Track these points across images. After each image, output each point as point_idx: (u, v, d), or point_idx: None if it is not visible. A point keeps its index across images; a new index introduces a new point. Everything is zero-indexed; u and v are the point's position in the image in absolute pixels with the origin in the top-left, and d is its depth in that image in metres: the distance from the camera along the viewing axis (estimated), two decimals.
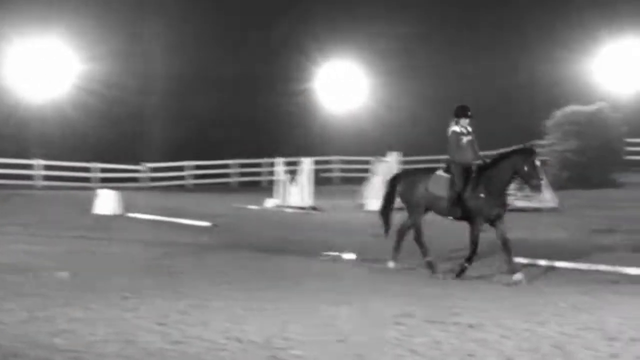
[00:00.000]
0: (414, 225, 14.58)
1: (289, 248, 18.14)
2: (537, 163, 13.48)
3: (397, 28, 43.97)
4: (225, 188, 41.17)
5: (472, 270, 14.56)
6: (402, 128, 42.59)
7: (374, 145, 37.62)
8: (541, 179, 13.50)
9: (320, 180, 36.76)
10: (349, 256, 16.13)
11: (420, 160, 42.83)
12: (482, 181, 13.71)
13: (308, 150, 35.43)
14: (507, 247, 13.65)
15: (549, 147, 36.24)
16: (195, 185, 42.23)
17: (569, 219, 23.84)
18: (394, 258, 14.71)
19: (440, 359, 8.85)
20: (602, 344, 9.36)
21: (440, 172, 14.28)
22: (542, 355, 8.95)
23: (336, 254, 16.94)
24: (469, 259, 13.94)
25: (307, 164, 29.14)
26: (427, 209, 14.54)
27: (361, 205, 28.64)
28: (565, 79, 41.07)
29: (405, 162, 37.98)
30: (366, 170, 34.56)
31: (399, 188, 14.78)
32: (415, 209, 14.47)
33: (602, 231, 20.64)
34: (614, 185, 33.71)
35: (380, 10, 44.83)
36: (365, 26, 44.05)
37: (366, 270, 15.09)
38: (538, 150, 13.83)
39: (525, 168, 13.42)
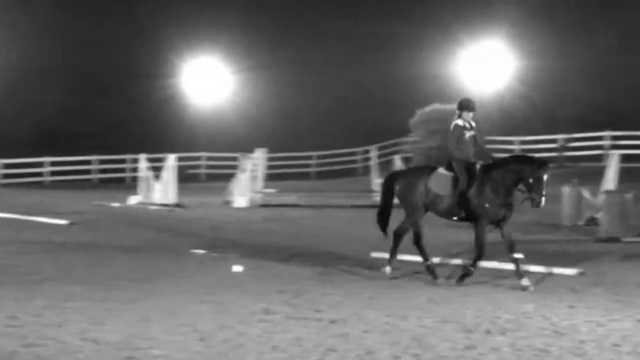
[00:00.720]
0: (413, 227, 13.60)
1: (152, 246, 17.85)
2: (545, 178, 12.62)
3: (263, 22, 44.01)
4: (85, 185, 40.16)
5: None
6: (269, 123, 42.69)
7: (240, 141, 37.54)
8: (543, 196, 12.53)
9: (186, 177, 36.39)
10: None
11: (288, 157, 43.17)
12: (488, 181, 12.90)
13: (174, 146, 34.97)
14: (513, 250, 12.83)
15: (413, 144, 37.10)
16: (53, 181, 40.96)
17: (430, 214, 24.38)
18: (390, 263, 13.71)
19: (301, 355, 8.91)
20: (459, 336, 9.66)
21: (441, 170, 13.36)
22: (402, 348, 9.15)
23: (204, 251, 16.79)
24: (474, 263, 13.04)
25: (171, 160, 28.76)
26: (426, 210, 13.59)
27: (228, 202, 28.53)
28: (430, 79, 42.13)
29: (272, 159, 38.15)
30: (233, 167, 34.43)
31: (396, 187, 13.71)
32: (415, 209, 13.45)
33: (464, 226, 21.24)
34: None
35: (245, 4, 44.77)
36: (231, 21, 43.88)
37: (229, 267, 14.99)
38: (550, 165, 12.82)
39: (531, 181, 12.61)
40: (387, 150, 41.54)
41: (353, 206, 26.99)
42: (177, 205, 27.68)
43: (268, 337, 9.62)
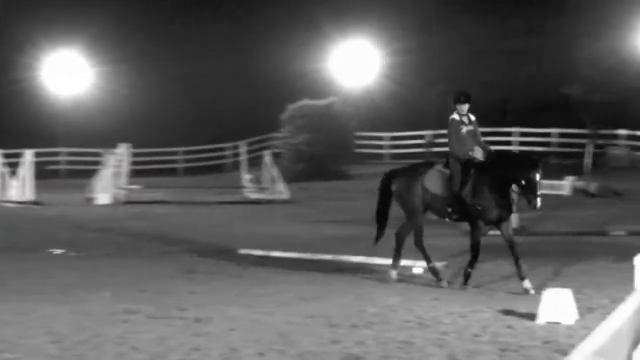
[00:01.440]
0: (414, 228, 12.98)
1: (5, 246, 17.22)
2: (537, 179, 11.99)
3: (125, 14, 43.20)
4: None
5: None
6: (133, 118, 41.92)
7: (103, 136, 36.71)
8: (538, 196, 11.96)
9: (45, 174, 35.29)
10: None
11: (154, 152, 42.48)
12: (482, 181, 12.24)
13: (32, 142, 33.83)
14: (514, 251, 12.25)
15: (283, 139, 37.25)
16: None
17: (300, 210, 24.61)
18: (395, 267, 12.94)
19: (164, 355, 8.76)
20: (325, 331, 9.72)
21: (439, 167, 12.72)
22: (267, 345, 9.13)
23: (62, 251, 16.32)
24: (471, 264, 12.50)
25: (28, 156, 27.85)
26: (425, 209, 12.96)
27: (90, 199, 27.87)
28: (301, 75, 42.36)
29: (137, 154, 37.49)
30: (96, 163, 33.65)
31: (393, 187, 13.13)
32: (413, 210, 12.83)
33: (331, 222, 21.54)
34: (345, 177, 35.29)
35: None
36: (91, 14, 42.86)
37: (89, 267, 14.61)
38: (541, 165, 12.19)
39: (523, 182, 12.00)
40: (257, 146, 41.57)
41: (222, 202, 26.85)
42: (35, 202, 26.84)
43: (129, 337, 9.42)
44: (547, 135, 41.05)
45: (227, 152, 43.65)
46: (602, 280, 12.57)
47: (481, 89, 42.78)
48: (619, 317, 2.62)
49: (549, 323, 9.87)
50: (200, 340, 9.35)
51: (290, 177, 32.97)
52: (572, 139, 40.44)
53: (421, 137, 42.81)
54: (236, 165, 37.32)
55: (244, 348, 9.03)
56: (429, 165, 13.09)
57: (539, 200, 12.01)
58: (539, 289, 11.48)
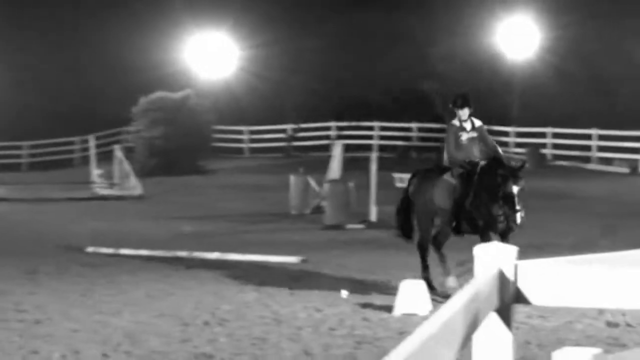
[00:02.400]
0: (422, 235, 11.82)
1: None
2: (514, 192, 10.70)
3: None
4: None
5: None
6: None
7: None
8: (517, 211, 10.64)
9: None
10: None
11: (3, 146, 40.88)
12: (483, 189, 11.04)
13: None
14: None
15: (135, 133, 36.52)
16: None
17: (153, 206, 24.17)
18: (448, 272, 11.53)
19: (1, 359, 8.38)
20: (175, 330, 9.49)
21: (447, 176, 11.54)
22: (113, 346, 8.85)
23: None
24: None
25: None
26: (435, 217, 11.83)
27: None
28: (155, 67, 41.66)
29: None
30: None
31: (409, 188, 12.11)
32: (421, 215, 11.82)
33: (186, 218, 21.23)
34: (202, 171, 34.95)
35: None
36: None
37: None
38: (520, 175, 10.85)
39: (501, 193, 10.77)
40: (107, 140, 40.64)
41: (70, 199, 26.05)
42: None
43: None
44: (408, 130, 41.94)
45: (75, 147, 42.46)
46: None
47: (339, 85, 43.61)
48: (454, 305, 2.62)
49: (404, 315, 9.98)
50: (40, 343, 9.00)
51: (144, 172, 32.33)
52: (432, 134, 41.50)
53: (282, 131, 42.92)
54: (85, 161, 36.33)
55: (87, 350, 8.73)
56: (445, 171, 11.76)
57: (518, 215, 10.63)
58: (398, 280, 11.61)
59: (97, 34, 43.55)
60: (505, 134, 38.91)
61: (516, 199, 10.67)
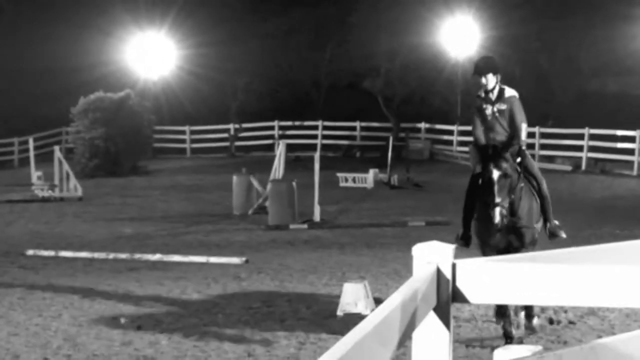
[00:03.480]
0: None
1: None
2: (494, 178, 8.32)
3: None
4: None
5: None
6: None
7: None
8: (495, 205, 8.22)
9: None
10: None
11: None
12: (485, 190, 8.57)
13: None
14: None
15: (75, 134, 36.09)
16: None
17: (94, 208, 23.91)
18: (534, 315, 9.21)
19: None
20: (116, 333, 9.41)
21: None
22: (53, 350, 8.75)
23: None
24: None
25: None
26: None
27: None
28: (95, 66, 41.21)
29: None
30: None
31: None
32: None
33: (126, 219, 21.06)
34: (143, 172, 34.67)
35: None
36: None
37: None
38: (500, 164, 8.43)
39: (480, 182, 8.56)
40: (47, 141, 40.03)
41: (8, 201, 25.64)
42: None
43: None
44: (352, 129, 42.10)
45: (14, 148, 41.81)
46: (399, 270, 12.92)
47: (283, 85, 43.62)
48: (391, 304, 2.66)
49: (346, 314, 10.02)
50: None
51: (84, 174, 31.96)
52: (376, 133, 41.70)
53: (225, 130, 42.76)
54: (25, 162, 35.77)
55: (27, 354, 8.62)
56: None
57: (496, 211, 8.23)
58: (340, 280, 11.65)
59: (36, 33, 42.93)
60: (450, 132, 39.35)
61: (495, 187, 8.28)
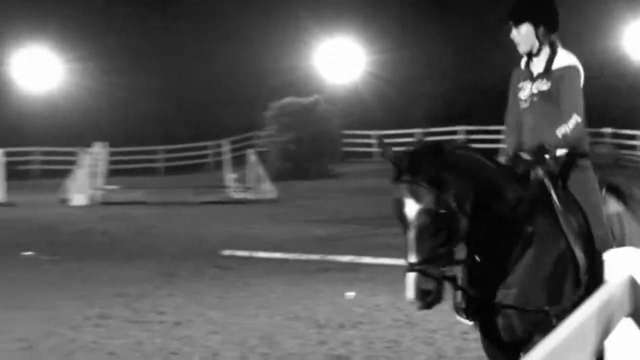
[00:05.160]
0: None
1: None
2: (409, 215, 5.05)
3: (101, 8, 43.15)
4: None
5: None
6: (108, 116, 41.83)
7: (77, 135, 36.65)
8: (411, 264, 5.06)
9: (16, 174, 35.23)
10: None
11: (133, 151, 42.43)
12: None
13: (2, 140, 33.77)
14: None
15: (268, 138, 37.30)
16: None
17: (286, 209, 24.62)
18: None
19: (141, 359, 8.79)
20: (311, 332, 9.74)
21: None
22: (250, 348, 9.14)
23: (33, 253, 16.28)
24: None
25: None
26: None
27: (64, 201, 27.81)
28: (285, 72, 42.41)
29: (115, 154, 37.43)
30: (69, 163, 33.60)
31: None
32: None
33: (317, 221, 21.56)
34: (331, 176, 35.39)
35: None
36: (60, 8, 42.78)
37: (61, 270, 14.54)
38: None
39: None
40: (239, 145, 41.58)
41: (204, 203, 26.84)
42: (5, 203, 26.80)
43: (104, 343, 9.41)
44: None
45: (209, 151, 43.63)
46: None
47: (471, 89, 43.17)
48: (587, 310, 2.70)
49: None
50: (179, 344, 9.33)
51: (275, 176, 33.00)
52: None
53: (411, 135, 42.86)
54: (218, 165, 37.30)
55: (225, 351, 9.03)
56: None
57: (409, 279, 4.98)
58: None
59: (229, 40, 44.60)
60: (635, 137, 37.85)
61: (411, 235, 4.92)
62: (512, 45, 5.78)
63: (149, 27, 44.91)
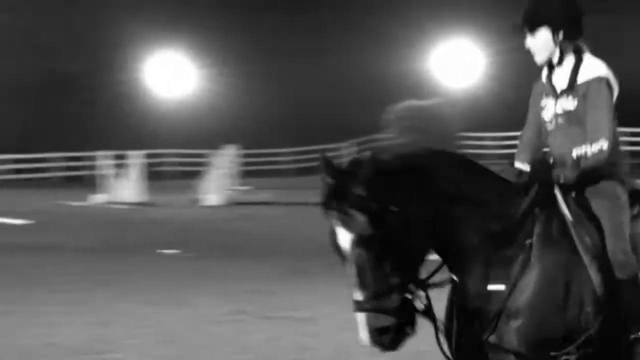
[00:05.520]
0: None
1: (116, 247, 17.79)
2: (344, 248, 4.41)
3: (229, 15, 44.01)
4: (46, 183, 39.95)
5: None
6: (239, 119, 42.65)
7: (209, 137, 37.52)
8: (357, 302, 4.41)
9: (153, 175, 36.36)
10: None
11: (263, 153, 43.17)
12: None
13: (140, 143, 34.93)
14: None
15: (388, 141, 37.33)
16: (9, 180, 40.62)
17: None
18: None
19: (275, 354, 8.84)
20: None
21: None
22: None
23: (172, 252, 16.77)
24: None
25: (137, 157, 28.73)
26: None
27: (197, 201, 28.51)
28: (403, 75, 42.35)
29: (246, 155, 38.16)
30: (203, 164, 34.46)
31: None
32: None
33: None
34: None
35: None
36: (195, 15, 43.87)
37: (199, 268, 14.92)
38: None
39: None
40: (361, 147, 41.75)
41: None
42: (145, 203, 27.66)
43: (240, 338, 9.56)
44: None
45: (333, 153, 43.96)
46: None
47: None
48: None
49: None
50: (311, 340, 9.38)
51: None
52: None
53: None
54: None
55: (356, 348, 9.12)
56: None
57: (360, 319, 4.42)
58: None
59: (344, 44, 44.82)
60: None
61: (353, 269, 4.31)
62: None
63: (276, 32, 45.60)
